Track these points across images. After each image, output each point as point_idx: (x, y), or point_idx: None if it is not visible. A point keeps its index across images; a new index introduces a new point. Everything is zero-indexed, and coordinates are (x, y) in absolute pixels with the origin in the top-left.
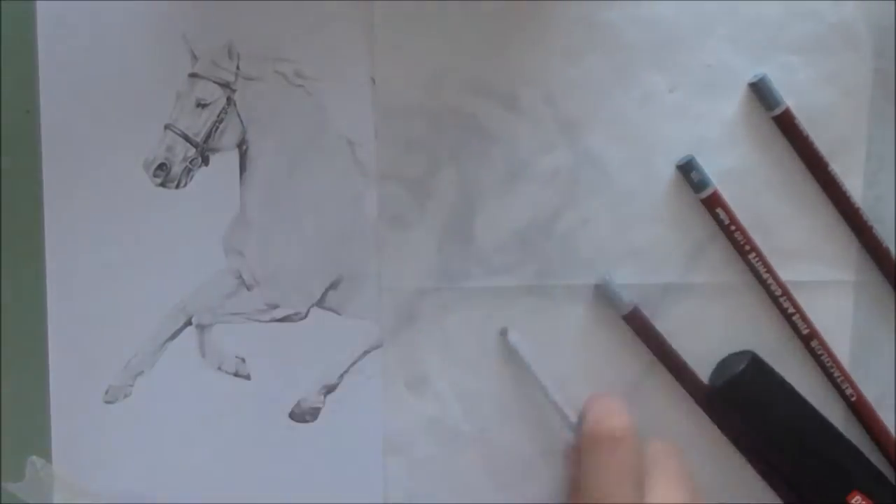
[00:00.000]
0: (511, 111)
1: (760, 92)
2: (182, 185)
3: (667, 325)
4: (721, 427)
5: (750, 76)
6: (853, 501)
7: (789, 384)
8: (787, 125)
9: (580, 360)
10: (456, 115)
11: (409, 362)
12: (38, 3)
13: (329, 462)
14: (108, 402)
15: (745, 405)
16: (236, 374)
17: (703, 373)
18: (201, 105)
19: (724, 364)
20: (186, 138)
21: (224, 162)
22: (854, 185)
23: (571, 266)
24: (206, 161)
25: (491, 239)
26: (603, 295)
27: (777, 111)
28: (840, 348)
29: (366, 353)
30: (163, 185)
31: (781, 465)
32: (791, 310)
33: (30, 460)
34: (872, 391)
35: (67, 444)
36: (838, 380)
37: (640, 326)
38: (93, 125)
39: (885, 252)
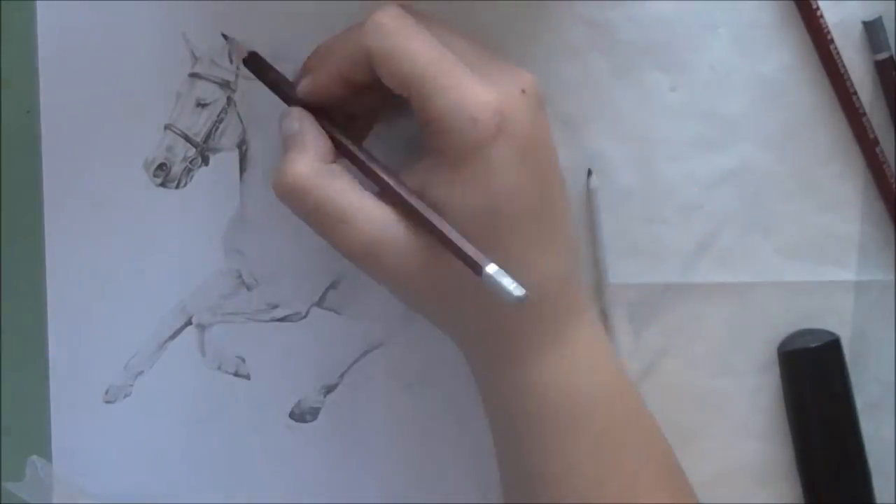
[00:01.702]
0: None
1: (872, 32)
2: (182, 185)
3: (667, 325)
4: None
5: (863, 16)
6: None
7: (849, 389)
8: (885, 72)
9: None
10: None
11: (409, 362)
12: (38, 3)
13: (329, 462)
14: (108, 402)
15: (796, 379)
16: (236, 374)
17: (704, 373)
18: (201, 105)
19: (806, 333)
20: (186, 138)
21: (224, 162)
22: (855, 186)
23: None
24: (206, 161)
25: None
26: None
27: (881, 56)
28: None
29: (366, 353)
30: (163, 185)
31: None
32: None
33: (30, 460)
34: (872, 391)
35: (67, 444)
36: None
37: None
38: (93, 125)
39: None
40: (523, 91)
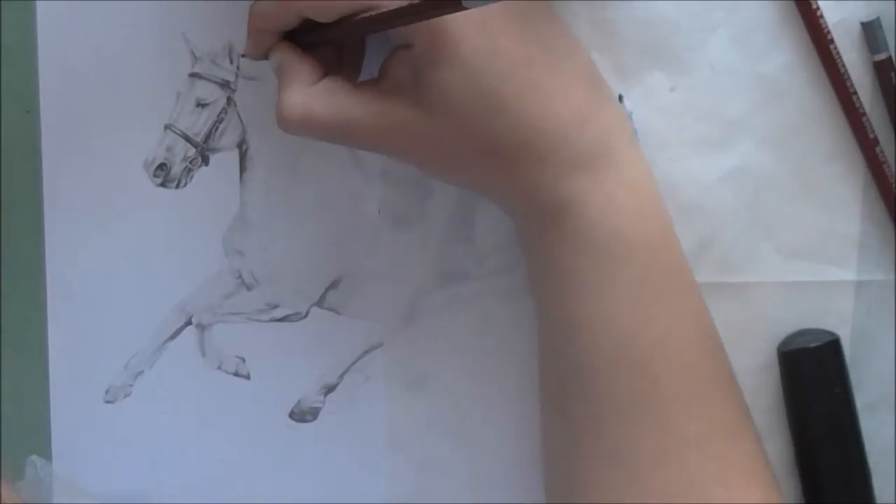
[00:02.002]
0: None
1: (870, 32)
2: (182, 185)
3: None
4: None
5: (863, 16)
6: None
7: (849, 389)
8: (884, 73)
9: None
10: None
11: (409, 362)
12: (38, 3)
13: (329, 462)
14: (108, 402)
15: (796, 379)
16: (236, 374)
17: None
18: (201, 105)
19: (806, 333)
20: (186, 138)
21: (224, 162)
22: (855, 186)
23: None
24: (206, 161)
25: (491, 238)
26: None
27: (879, 57)
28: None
29: (366, 353)
30: (163, 185)
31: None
32: None
33: (30, 460)
34: (872, 391)
35: (67, 444)
36: None
37: None
38: (93, 125)
39: None
40: None
